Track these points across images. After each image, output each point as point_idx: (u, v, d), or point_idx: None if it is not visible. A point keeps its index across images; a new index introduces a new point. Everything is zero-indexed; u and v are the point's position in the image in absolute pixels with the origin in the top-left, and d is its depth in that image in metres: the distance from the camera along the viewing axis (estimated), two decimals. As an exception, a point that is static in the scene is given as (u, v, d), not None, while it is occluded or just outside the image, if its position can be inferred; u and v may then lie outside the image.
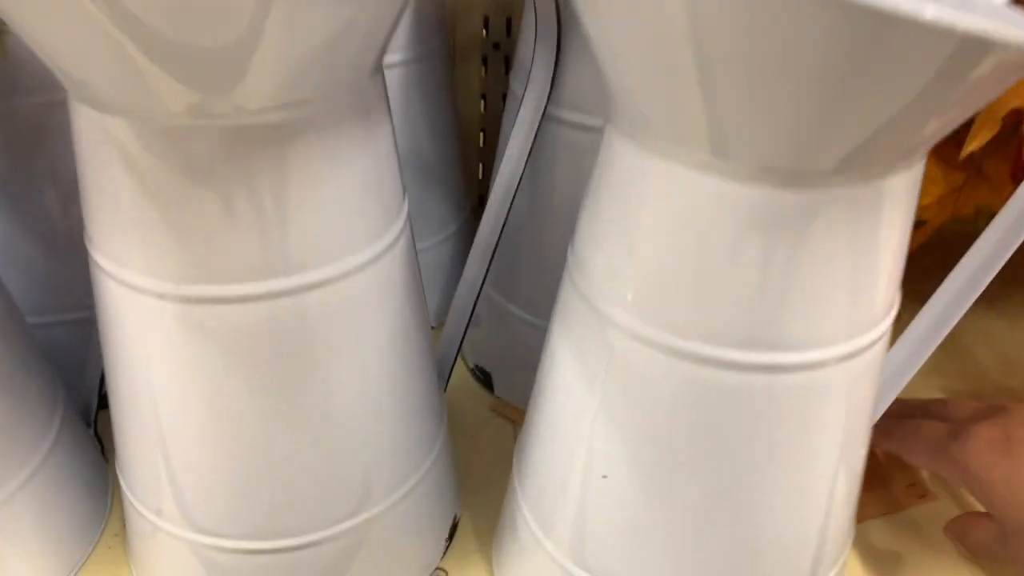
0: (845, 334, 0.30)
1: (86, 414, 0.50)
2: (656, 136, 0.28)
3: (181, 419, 0.36)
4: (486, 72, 0.69)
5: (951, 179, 0.59)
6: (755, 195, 0.27)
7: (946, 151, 0.58)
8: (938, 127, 0.27)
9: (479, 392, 0.60)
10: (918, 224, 0.61)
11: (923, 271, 0.39)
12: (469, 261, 0.49)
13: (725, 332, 0.30)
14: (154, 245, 0.31)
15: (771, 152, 0.26)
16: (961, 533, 0.46)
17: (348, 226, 0.33)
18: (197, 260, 0.31)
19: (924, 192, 0.60)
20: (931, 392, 0.60)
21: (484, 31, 0.67)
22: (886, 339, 0.33)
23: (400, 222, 0.37)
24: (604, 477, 0.35)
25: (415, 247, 0.41)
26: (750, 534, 0.34)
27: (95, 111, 0.29)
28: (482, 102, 0.71)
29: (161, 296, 0.32)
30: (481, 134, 0.73)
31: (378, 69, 0.33)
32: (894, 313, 0.33)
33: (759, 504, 0.33)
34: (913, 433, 0.45)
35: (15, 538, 0.41)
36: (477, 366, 0.61)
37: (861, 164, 0.26)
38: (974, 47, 0.21)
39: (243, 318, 0.33)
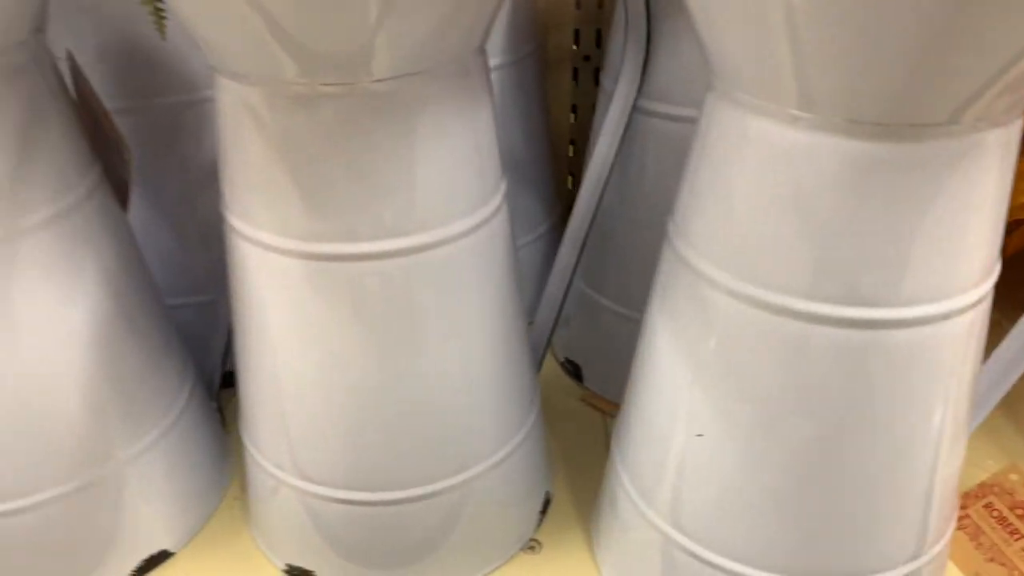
0: (945, 292, 0.31)
1: (209, 389, 0.54)
2: (750, 93, 0.30)
3: (300, 372, 0.39)
4: (576, 84, 0.72)
5: (1046, 175, 0.58)
6: (844, 148, 0.29)
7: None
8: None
9: (569, 384, 0.62)
10: (1014, 225, 0.60)
11: (1022, 278, 0.38)
12: (561, 249, 0.52)
13: (821, 287, 0.31)
14: (282, 206, 0.35)
15: (859, 105, 0.28)
16: None
17: (451, 194, 0.36)
18: (320, 220, 0.35)
19: (1018, 189, 0.59)
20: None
21: (575, 44, 0.70)
22: (987, 304, 0.33)
23: (498, 198, 0.40)
24: (699, 436, 0.36)
25: (512, 229, 0.43)
26: (844, 497, 0.35)
27: (235, 83, 0.33)
28: (572, 114, 0.74)
29: (287, 253, 0.36)
30: (571, 145, 0.76)
31: (481, 49, 0.36)
32: (994, 278, 0.33)
33: (854, 466, 0.34)
34: None
35: (148, 491, 0.45)
36: (567, 359, 0.63)
37: (956, 118, 0.27)
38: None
39: (357, 275, 0.36)
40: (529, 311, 0.67)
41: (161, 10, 0.33)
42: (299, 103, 0.32)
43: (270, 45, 0.30)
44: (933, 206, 0.29)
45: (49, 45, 0.40)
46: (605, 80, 0.53)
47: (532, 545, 0.48)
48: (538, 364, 0.53)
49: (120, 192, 0.44)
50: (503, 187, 0.41)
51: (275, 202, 0.35)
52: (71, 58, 0.42)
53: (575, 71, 0.72)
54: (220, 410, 0.55)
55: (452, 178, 0.36)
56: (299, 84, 0.32)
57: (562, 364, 0.64)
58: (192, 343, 0.51)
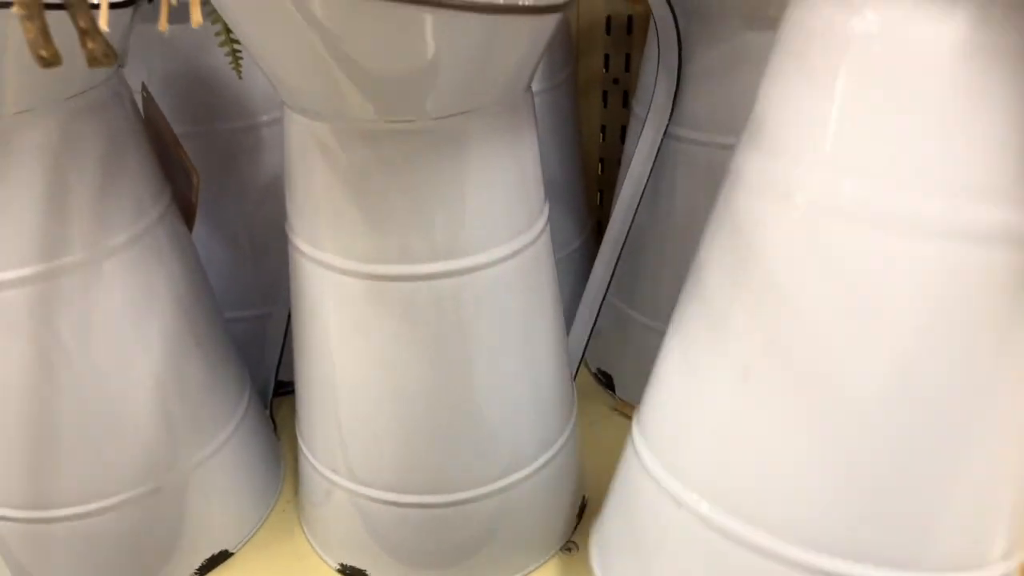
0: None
1: (263, 398, 0.57)
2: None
3: (355, 382, 0.42)
4: (606, 106, 0.75)
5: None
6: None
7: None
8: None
9: (601, 394, 0.65)
10: None
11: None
12: (595, 267, 0.54)
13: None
14: (344, 230, 0.38)
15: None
16: None
17: (499, 220, 0.39)
18: (378, 243, 0.38)
19: None
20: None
21: (605, 68, 0.73)
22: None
23: (541, 222, 0.43)
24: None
25: (553, 250, 0.46)
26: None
27: (305, 118, 0.36)
28: (601, 134, 0.77)
29: (347, 273, 0.39)
30: (599, 164, 0.79)
31: (528, 88, 0.39)
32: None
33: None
34: None
35: (210, 494, 0.49)
36: (599, 369, 0.66)
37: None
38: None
39: (411, 293, 0.39)
40: (562, 324, 0.70)
41: (238, 51, 0.36)
42: (364, 138, 0.35)
43: (343, 88, 0.34)
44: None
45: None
46: (636, 107, 0.56)
47: (570, 547, 0.51)
48: (574, 373, 0.56)
49: (186, 213, 0.48)
50: (546, 212, 0.43)
51: (338, 226, 0.38)
52: (145, 90, 0.45)
53: (604, 94, 0.75)
54: (273, 418, 0.58)
55: (500, 205, 0.39)
56: (365, 121, 0.35)
57: (595, 375, 0.66)
58: (245, 354, 0.54)
